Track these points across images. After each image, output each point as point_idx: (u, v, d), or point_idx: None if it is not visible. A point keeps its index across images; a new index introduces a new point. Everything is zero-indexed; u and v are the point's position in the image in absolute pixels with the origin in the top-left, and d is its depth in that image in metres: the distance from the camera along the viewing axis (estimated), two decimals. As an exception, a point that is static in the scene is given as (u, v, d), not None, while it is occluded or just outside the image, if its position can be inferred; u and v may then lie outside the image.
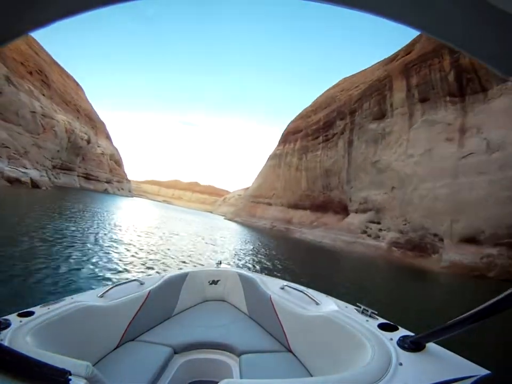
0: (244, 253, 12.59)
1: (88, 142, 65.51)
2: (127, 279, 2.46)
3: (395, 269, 17.01)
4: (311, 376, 1.46)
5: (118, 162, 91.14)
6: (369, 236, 25.71)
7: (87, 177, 62.61)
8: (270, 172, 50.74)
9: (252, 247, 15.96)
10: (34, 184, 27.78)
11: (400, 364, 0.98)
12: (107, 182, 68.93)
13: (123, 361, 1.54)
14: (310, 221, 37.06)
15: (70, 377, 0.80)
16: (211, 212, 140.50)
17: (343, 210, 32.41)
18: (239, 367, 1.57)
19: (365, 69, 39.95)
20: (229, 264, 5.05)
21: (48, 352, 1.00)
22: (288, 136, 47.95)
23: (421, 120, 22.56)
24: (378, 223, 25.21)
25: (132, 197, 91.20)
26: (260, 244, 18.79)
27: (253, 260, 10.84)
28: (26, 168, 29.45)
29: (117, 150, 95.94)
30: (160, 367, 1.54)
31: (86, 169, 62.56)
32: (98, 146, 69.95)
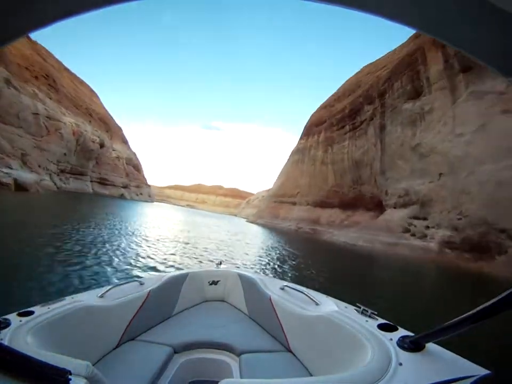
0: (268, 262, 10.10)
1: (102, 145, 63.88)
2: (127, 279, 2.37)
3: (451, 276, 13.69)
4: (311, 376, 1.45)
5: (137, 167, 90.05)
6: (413, 235, 21.76)
7: (102, 182, 60.72)
8: (293, 169, 46.19)
9: (278, 253, 13.22)
10: (20, 187, 24.42)
11: (400, 364, 0.98)
12: (123, 187, 66.87)
13: (123, 361, 1.55)
14: (340, 220, 33.13)
15: (70, 376, 0.80)
16: (235, 215, 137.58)
17: (377, 206, 28.78)
18: (239, 367, 1.58)
19: (389, 52, 34.59)
20: (231, 264, 5.42)
21: (48, 351, 1.01)
22: (311, 128, 44.08)
23: (467, 93, 19.40)
24: (425, 218, 21.22)
25: (152, 202, 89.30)
26: (286, 249, 15.70)
27: (281, 271, 8.74)
28: (11, 168, 26.28)
29: (135, 154, 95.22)
30: (160, 366, 1.53)
31: (100, 173, 60.73)
32: (114, 150, 68.27)
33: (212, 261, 7.95)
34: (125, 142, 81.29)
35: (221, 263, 2.95)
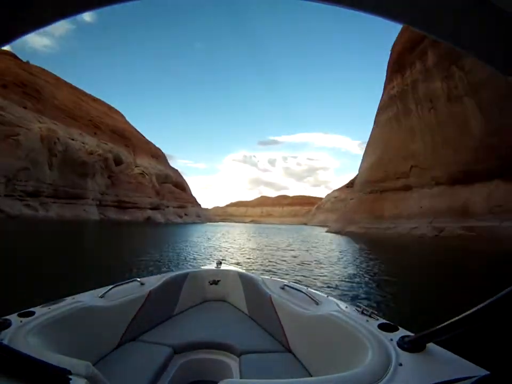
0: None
1: (119, 162, 51.32)
2: (127, 279, 2.13)
3: None
4: (311, 376, 1.44)
5: (181, 186, 77.63)
6: None
7: (121, 205, 47.21)
8: (391, 131, 29.05)
9: None
10: None
11: (400, 364, 0.97)
12: (153, 208, 52.38)
13: (123, 361, 1.54)
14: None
15: (70, 376, 0.81)
16: (305, 224, 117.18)
17: None
18: (239, 367, 1.56)
19: None
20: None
21: (48, 352, 1.01)
22: (404, 57, 28.25)
23: None
24: None
25: (203, 222, 74.57)
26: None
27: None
28: None
29: (176, 171, 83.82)
30: (160, 367, 1.52)
31: (118, 195, 47.43)
32: (137, 167, 55.36)
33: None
34: (155, 157, 68.86)
35: (221, 263, 2.88)
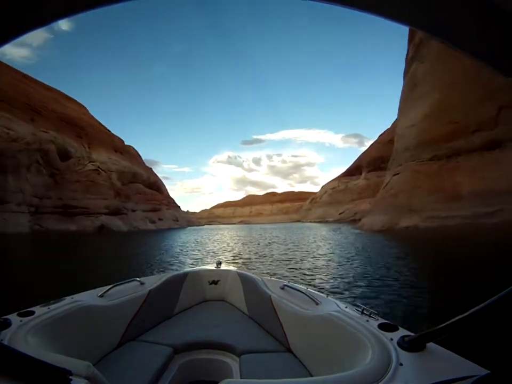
0: None
1: (66, 155, 40.88)
2: (127, 279, 2.14)
3: None
4: (311, 376, 1.44)
5: (155, 186, 67.52)
6: None
7: (66, 211, 36.86)
8: (454, 61, 17.57)
9: None
10: None
11: (401, 364, 0.98)
12: (110, 214, 42.06)
13: (123, 361, 1.54)
14: None
15: (70, 377, 0.81)
16: (299, 221, 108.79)
17: None
18: (239, 367, 1.57)
19: None
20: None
21: (48, 352, 1.03)
22: None
23: None
24: None
25: (182, 227, 64.62)
26: None
27: None
28: None
29: (149, 169, 73.45)
30: (160, 367, 1.53)
31: (62, 198, 37.07)
32: (92, 162, 44.89)
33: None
34: (120, 151, 58.21)
35: (221, 263, 2.89)
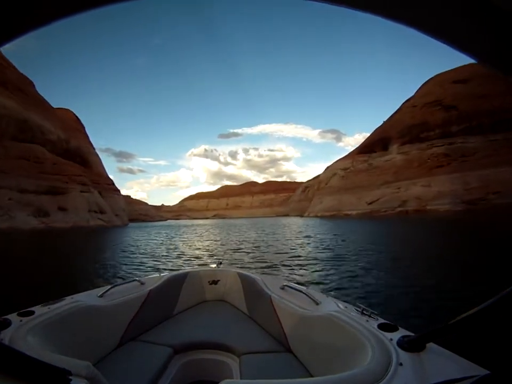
0: None
1: None
2: (127, 279, 2.20)
3: None
4: (311, 376, 1.44)
5: (78, 156, 41.82)
6: None
7: None
8: None
9: None
10: None
11: (400, 364, 0.98)
12: None
13: (123, 361, 1.53)
14: None
15: (70, 377, 0.81)
16: (287, 215, 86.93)
17: None
18: (240, 367, 1.56)
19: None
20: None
21: (48, 351, 1.03)
22: None
23: None
24: None
25: (125, 225, 42.26)
26: None
27: None
28: None
29: (82, 135, 48.00)
30: (161, 367, 1.52)
31: None
32: None
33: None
34: (8, 88, 32.31)
35: (221, 263, 2.88)
